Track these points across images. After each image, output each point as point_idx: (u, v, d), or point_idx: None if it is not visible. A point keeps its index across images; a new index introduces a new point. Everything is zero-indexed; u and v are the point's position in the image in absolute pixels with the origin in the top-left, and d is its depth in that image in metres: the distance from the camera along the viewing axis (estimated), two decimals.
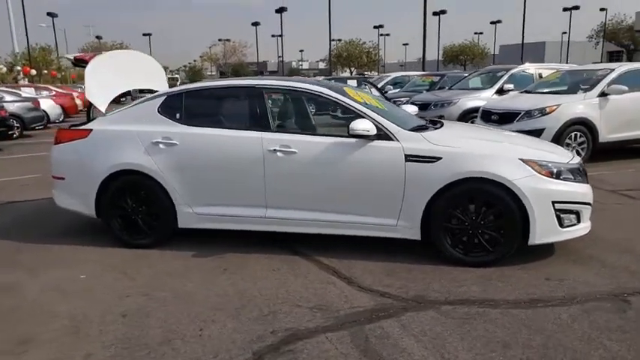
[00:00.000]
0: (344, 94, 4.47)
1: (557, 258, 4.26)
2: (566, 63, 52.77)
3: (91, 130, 4.76)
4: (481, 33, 67.68)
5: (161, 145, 4.53)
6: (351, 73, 57.31)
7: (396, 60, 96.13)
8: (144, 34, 63.39)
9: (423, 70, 23.72)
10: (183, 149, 4.48)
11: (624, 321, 3.19)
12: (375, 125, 4.15)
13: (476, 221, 4.06)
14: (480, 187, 4.01)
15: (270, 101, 4.57)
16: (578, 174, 4.23)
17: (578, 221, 4.18)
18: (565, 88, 9.20)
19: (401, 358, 2.83)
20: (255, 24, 54.71)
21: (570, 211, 4.11)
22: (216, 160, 4.43)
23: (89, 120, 5.06)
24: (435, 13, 47.42)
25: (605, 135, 8.45)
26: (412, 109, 5.50)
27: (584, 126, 8.32)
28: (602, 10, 55.10)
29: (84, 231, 5.25)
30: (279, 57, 65.21)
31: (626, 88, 8.42)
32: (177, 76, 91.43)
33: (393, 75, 17.40)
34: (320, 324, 3.22)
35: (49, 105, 17.36)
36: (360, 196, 4.22)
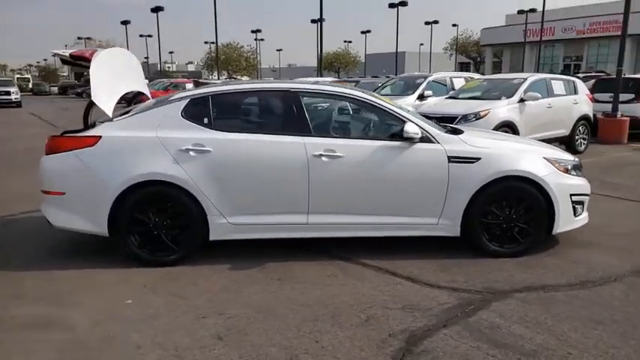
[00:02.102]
0: (379, 98, 4.57)
1: (564, 245, 4.75)
2: (429, 71, 57.31)
3: (100, 136, 4.25)
4: (350, 42, 71.11)
5: (192, 153, 4.20)
6: (230, 77, 56.49)
7: (268, 65, 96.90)
8: None
9: (320, 76, 24.25)
10: (218, 156, 4.21)
11: None
12: (420, 129, 4.31)
13: (509, 215, 4.41)
14: (513, 185, 4.37)
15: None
16: (579, 169, 4.79)
17: (583, 211, 4.74)
18: (487, 94, 10.18)
19: (527, 344, 3.02)
20: (125, 22, 51.37)
21: (580, 202, 4.65)
22: (256, 167, 4.24)
23: (87, 125, 4.50)
24: (313, 21, 48.74)
25: (526, 135, 9.52)
26: None
27: (509, 128, 9.29)
28: (454, 25, 61.21)
29: (87, 250, 4.68)
30: (145, 58, 62.11)
31: (539, 95, 9.60)
32: (28, 76, 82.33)
33: (312, 80, 17.57)
34: (426, 323, 3.29)
35: None
36: (405, 197, 4.35)
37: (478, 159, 4.33)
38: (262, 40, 62.55)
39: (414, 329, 3.21)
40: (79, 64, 4.55)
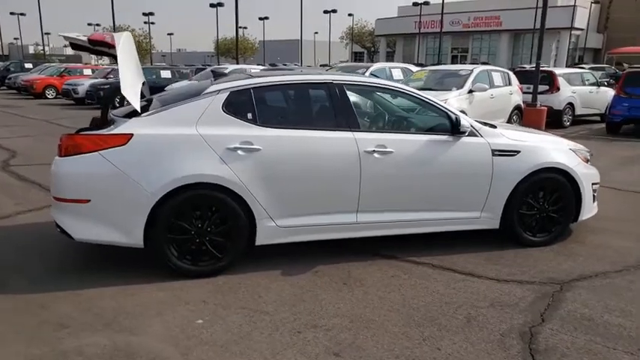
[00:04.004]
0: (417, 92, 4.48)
1: (578, 232, 5.04)
2: (329, 60, 57.85)
3: (132, 134, 3.70)
4: (246, 28, 69.71)
5: (240, 152, 3.81)
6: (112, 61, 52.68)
7: (159, 50, 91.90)
8: None
9: (218, 62, 23.41)
10: (268, 155, 3.86)
11: None
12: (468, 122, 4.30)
13: (542, 206, 4.58)
14: (548, 176, 4.52)
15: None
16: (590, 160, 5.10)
17: (596, 199, 5.06)
18: (438, 85, 10.50)
19: (632, 333, 3.14)
20: None
21: (595, 190, 4.95)
22: (306, 166, 3.95)
23: (105, 122, 3.89)
24: (212, 5, 46.99)
25: None
26: None
27: None
28: (349, 15, 62.54)
29: (104, 263, 4.07)
30: (15, 39, 56.07)
31: (486, 86, 10.11)
32: None
33: (231, 67, 16.89)
34: (524, 320, 3.29)
35: None
36: (452, 192, 4.32)
37: (518, 152, 4.43)
38: (153, 23, 59.08)
39: (519, 327, 3.20)
40: (98, 50, 3.89)
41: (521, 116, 11.75)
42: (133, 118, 3.79)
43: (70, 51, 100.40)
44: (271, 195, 3.90)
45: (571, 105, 14.27)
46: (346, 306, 3.46)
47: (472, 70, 10.39)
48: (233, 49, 65.66)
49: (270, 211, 3.93)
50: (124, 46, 3.80)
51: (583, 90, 14.78)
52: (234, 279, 3.86)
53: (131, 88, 3.79)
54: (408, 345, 2.98)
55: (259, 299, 3.55)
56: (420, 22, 48.24)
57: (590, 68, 23.46)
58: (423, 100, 4.40)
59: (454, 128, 4.24)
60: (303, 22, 47.38)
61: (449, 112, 4.34)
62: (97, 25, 63.32)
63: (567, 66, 37.52)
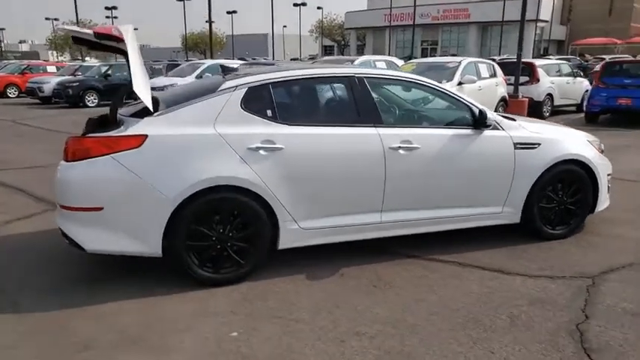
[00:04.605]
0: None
1: (592, 223, 5.02)
2: (300, 54, 57.50)
3: (146, 135, 3.45)
4: (213, 22, 68.49)
5: (262, 152, 3.61)
6: (83, 58, 51.01)
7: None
8: None
9: (186, 57, 22.83)
10: (292, 154, 3.67)
11: None
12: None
13: (561, 198, 4.52)
14: (568, 168, 4.47)
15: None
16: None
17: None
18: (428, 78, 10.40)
19: None
20: None
21: (609, 182, 4.93)
22: (330, 164, 3.78)
23: (114, 122, 3.62)
24: None
25: None
26: None
27: None
28: (319, 8, 62.21)
29: (107, 274, 3.79)
30: None
31: (475, 78, 10.10)
32: None
33: (209, 62, 16.43)
34: (568, 317, 3.20)
35: None
36: (476, 187, 4.22)
37: (539, 144, 4.35)
38: (116, 17, 57.42)
39: (566, 325, 3.11)
40: (105, 44, 3.59)
41: (506, 108, 11.81)
42: (146, 118, 3.53)
43: (25, 47, 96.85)
44: (294, 196, 3.71)
45: (550, 96, 14.44)
46: (384, 310, 3.31)
47: (460, 62, 10.38)
48: (201, 44, 64.74)
49: (294, 212, 3.75)
50: (132, 41, 3.53)
51: (561, 81, 14.99)
52: (258, 286, 3.67)
53: (143, 86, 3.54)
54: (460, 350, 2.85)
55: (292, 307, 3.37)
56: (391, 14, 48.38)
57: (557, 59, 23.91)
58: (446, 93, 4.27)
59: (478, 122, 4.13)
60: (272, 16, 46.85)
61: (472, 106, 4.23)
62: (56, 19, 61.10)
63: (534, 57, 38.26)
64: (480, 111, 4.12)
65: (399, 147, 3.91)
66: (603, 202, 4.76)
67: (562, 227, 4.59)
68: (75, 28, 3.66)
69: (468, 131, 4.16)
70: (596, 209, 4.70)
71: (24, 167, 7.88)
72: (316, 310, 3.32)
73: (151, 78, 17.36)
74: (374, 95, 4.02)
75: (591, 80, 15.12)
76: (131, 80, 3.42)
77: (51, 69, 25.50)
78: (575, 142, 4.55)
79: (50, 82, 19.47)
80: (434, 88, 4.27)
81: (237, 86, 3.72)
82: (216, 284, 3.64)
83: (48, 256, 4.19)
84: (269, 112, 3.74)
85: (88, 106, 18.04)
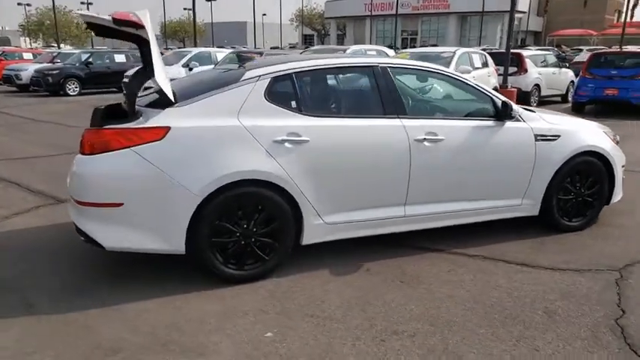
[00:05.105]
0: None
1: (603, 214, 5.02)
2: (281, 43, 56.87)
3: (169, 127, 3.28)
4: (191, 9, 67.26)
5: (287, 144, 3.47)
6: (47, 44, 49.58)
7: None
8: None
9: (165, 46, 22.33)
10: (317, 147, 3.55)
11: None
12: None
13: (579, 190, 4.50)
14: (586, 159, 4.44)
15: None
16: None
17: None
18: None
19: None
20: None
21: (623, 173, 4.93)
22: (355, 156, 3.67)
23: (133, 113, 3.43)
24: None
25: None
26: None
27: None
28: None
29: (144, 271, 3.63)
30: None
31: (470, 68, 10.07)
32: None
33: (196, 50, 16.06)
34: (605, 312, 3.17)
35: None
36: (499, 179, 4.17)
37: (558, 136, 4.31)
38: (91, 4, 55.90)
39: (604, 321, 3.07)
40: (123, 30, 3.37)
41: None
42: (167, 109, 3.36)
43: None
44: (318, 190, 3.60)
45: (537, 86, 14.56)
46: (418, 307, 3.23)
47: (454, 52, 10.35)
48: (180, 32, 63.63)
49: (318, 207, 3.63)
50: (150, 28, 3.34)
51: (547, 71, 15.12)
52: (283, 283, 3.55)
53: (164, 75, 3.36)
54: (505, 347, 2.79)
55: (322, 304, 3.26)
56: (372, 3, 48.20)
57: (536, 50, 24.13)
58: (468, 84, 4.19)
59: (501, 113, 4.06)
60: (250, 3, 46.21)
61: (494, 97, 4.16)
62: (28, 4, 59.08)
63: (512, 48, 38.63)
64: (504, 102, 4.06)
65: (424, 139, 3.82)
66: (618, 193, 4.76)
67: (578, 219, 4.57)
68: (92, 14, 3.44)
69: (490, 123, 4.09)
70: (612, 200, 4.69)
71: (13, 158, 7.57)
72: (348, 307, 3.22)
73: (131, 66, 16.99)
74: (397, 85, 3.91)
75: (577, 72, 15.26)
76: (152, 69, 3.24)
77: (27, 56, 24.66)
78: (592, 134, 4.52)
79: (28, 70, 18.84)
80: (456, 79, 4.18)
81: (260, 76, 3.57)
82: (240, 281, 3.51)
83: (57, 253, 4.00)
84: (293, 104, 3.61)
85: (69, 95, 17.53)
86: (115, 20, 3.22)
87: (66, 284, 3.52)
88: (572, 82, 15.84)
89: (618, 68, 12.98)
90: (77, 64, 18.33)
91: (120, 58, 18.95)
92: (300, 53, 11.50)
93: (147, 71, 3.37)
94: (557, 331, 2.95)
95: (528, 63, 14.40)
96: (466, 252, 4.10)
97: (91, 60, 18.30)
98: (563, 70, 15.98)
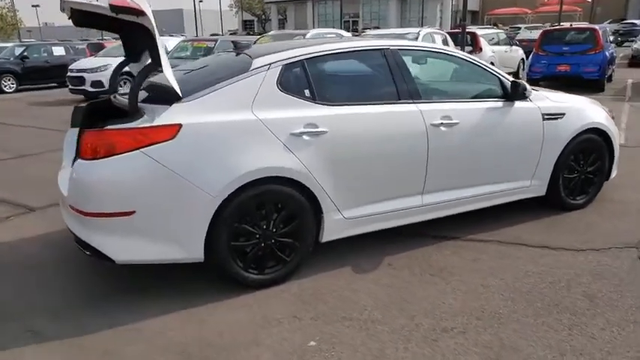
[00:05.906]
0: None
1: (602, 191, 5.07)
2: (222, 30, 55.43)
3: (180, 125, 2.95)
4: None
5: (305, 137, 3.22)
6: None
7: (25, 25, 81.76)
8: None
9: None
10: (335, 137, 3.31)
11: None
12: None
13: (583, 168, 4.51)
14: (589, 137, 4.43)
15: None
16: None
17: None
18: None
19: None
20: None
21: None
22: (374, 145, 3.46)
23: (136, 110, 3.06)
24: None
25: None
26: None
27: None
28: None
29: (148, 282, 3.28)
30: None
31: None
32: None
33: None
34: (637, 293, 3.16)
35: None
36: (510, 161, 4.08)
37: (563, 114, 4.27)
38: None
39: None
40: (122, 19, 2.95)
41: None
42: (175, 105, 3.02)
43: None
44: (337, 183, 3.37)
45: (492, 64, 14.69)
46: (456, 301, 3.09)
47: (419, 33, 10.31)
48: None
49: (337, 201, 3.41)
50: (151, 14, 2.97)
51: (500, 49, 15.38)
52: (307, 284, 3.33)
53: (169, 67, 3.01)
54: (560, 337, 2.69)
55: (355, 305, 3.06)
56: None
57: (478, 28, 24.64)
58: (478, 65, 4.06)
59: (512, 93, 3.96)
60: None
61: (502, 77, 4.06)
62: None
63: (451, 28, 39.34)
64: (514, 82, 3.96)
65: (441, 123, 3.66)
66: (615, 169, 4.81)
67: (582, 197, 4.58)
68: (84, 1, 3.01)
69: (500, 104, 3.99)
70: (610, 176, 4.74)
71: None
72: (384, 307, 3.04)
73: (72, 60, 15.95)
74: (409, 68, 3.73)
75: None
76: (160, 62, 2.90)
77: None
78: (594, 111, 4.52)
79: None
80: (467, 61, 4.04)
81: (270, 64, 3.28)
82: (261, 286, 3.26)
83: (47, 269, 3.59)
84: (307, 92, 3.34)
85: (5, 92, 16.28)
86: (113, 7, 2.83)
87: (66, 303, 3.14)
88: (523, 59, 16.25)
89: (570, 44, 13.36)
90: (11, 59, 16.99)
91: (59, 51, 17.75)
92: (254, 43, 11.07)
93: (150, 64, 3.01)
94: (606, 316, 2.88)
95: (482, 42, 14.58)
96: (481, 237, 4.00)
97: (26, 54, 17.01)
98: (514, 47, 16.32)
